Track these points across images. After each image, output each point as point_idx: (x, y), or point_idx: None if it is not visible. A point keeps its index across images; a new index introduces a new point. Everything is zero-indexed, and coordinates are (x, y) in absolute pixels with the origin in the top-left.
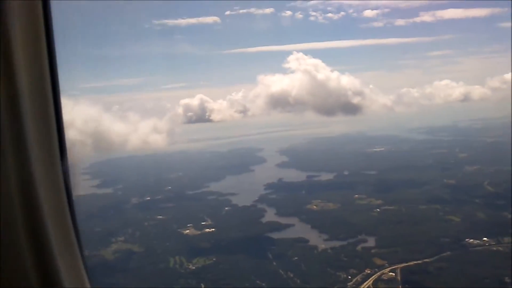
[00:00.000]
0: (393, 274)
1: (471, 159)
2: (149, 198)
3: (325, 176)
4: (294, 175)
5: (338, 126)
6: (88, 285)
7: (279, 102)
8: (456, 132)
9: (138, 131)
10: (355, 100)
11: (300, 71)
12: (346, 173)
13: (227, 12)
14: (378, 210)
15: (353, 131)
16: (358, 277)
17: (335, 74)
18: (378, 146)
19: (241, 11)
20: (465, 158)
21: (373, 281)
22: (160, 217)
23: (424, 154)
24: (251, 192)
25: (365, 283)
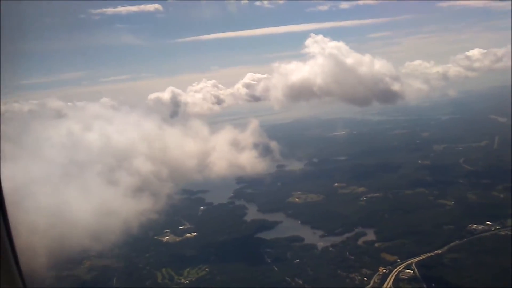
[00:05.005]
0: (411, 271)
1: (436, 138)
2: None
3: (296, 165)
4: (262, 166)
5: (290, 112)
6: (21, 285)
7: (301, 92)
8: (407, 111)
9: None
10: (395, 86)
11: (323, 55)
12: (315, 160)
13: None
14: (364, 198)
15: (306, 116)
16: (375, 278)
17: (367, 58)
18: (338, 130)
19: None
20: (429, 137)
21: (392, 281)
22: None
23: (386, 136)
24: (222, 188)
25: (385, 284)
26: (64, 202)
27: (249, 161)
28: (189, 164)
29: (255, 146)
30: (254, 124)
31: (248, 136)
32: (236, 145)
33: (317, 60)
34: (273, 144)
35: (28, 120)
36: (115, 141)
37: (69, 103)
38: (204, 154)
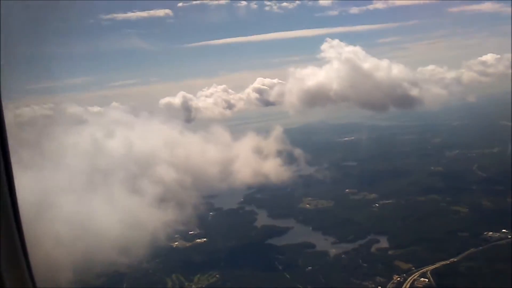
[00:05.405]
0: (426, 279)
1: (448, 144)
2: None
3: (306, 170)
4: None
5: (298, 117)
6: (30, 285)
7: (317, 97)
8: (416, 117)
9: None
10: (413, 92)
11: (339, 60)
12: (325, 165)
13: (180, 4)
14: (376, 205)
15: (314, 121)
16: (389, 286)
17: (384, 63)
18: (347, 135)
19: (194, 2)
20: (441, 143)
21: None
22: None
23: (396, 141)
24: (232, 193)
25: None
26: (86, 212)
27: (267, 167)
28: (211, 171)
29: (275, 152)
30: (274, 130)
31: (266, 142)
32: (256, 152)
33: (333, 64)
34: (287, 149)
35: (43, 125)
36: (136, 148)
37: (82, 108)
38: (225, 161)
